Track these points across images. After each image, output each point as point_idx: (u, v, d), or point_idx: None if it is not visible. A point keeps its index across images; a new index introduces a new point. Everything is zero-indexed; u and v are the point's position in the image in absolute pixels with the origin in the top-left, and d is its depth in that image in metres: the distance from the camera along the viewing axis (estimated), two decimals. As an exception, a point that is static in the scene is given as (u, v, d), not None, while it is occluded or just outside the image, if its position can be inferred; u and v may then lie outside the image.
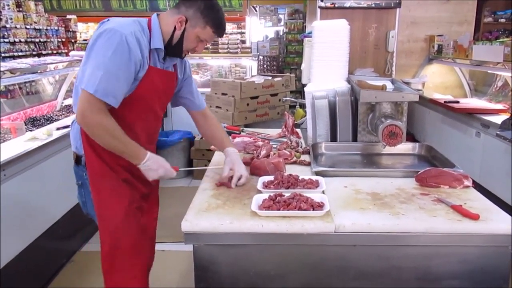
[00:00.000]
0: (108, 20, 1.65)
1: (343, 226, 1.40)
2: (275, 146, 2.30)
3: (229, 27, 7.75)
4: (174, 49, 1.73)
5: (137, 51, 1.60)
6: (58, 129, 3.21)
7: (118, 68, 1.56)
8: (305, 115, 2.73)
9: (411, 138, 4.61)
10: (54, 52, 7.82)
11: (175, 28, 1.68)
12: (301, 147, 2.32)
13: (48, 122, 3.51)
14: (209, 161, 2.18)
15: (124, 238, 1.79)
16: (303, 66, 3.60)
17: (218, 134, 2.03)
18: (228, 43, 6.32)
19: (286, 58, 7.63)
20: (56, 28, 8.07)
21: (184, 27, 1.68)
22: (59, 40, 8.22)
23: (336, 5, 3.77)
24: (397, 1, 3.71)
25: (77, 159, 1.80)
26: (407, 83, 3.81)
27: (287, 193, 1.57)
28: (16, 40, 6.97)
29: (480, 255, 1.42)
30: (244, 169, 1.83)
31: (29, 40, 7.29)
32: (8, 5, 6.83)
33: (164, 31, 1.70)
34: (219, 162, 2.04)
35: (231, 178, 1.78)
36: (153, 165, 1.70)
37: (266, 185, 1.70)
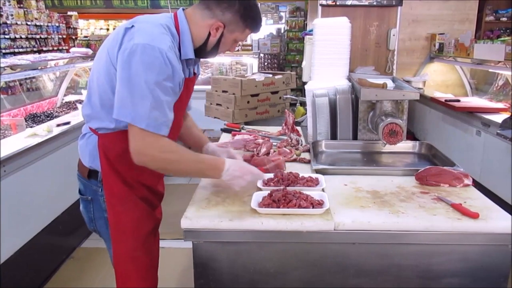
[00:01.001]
0: (133, 26, 1.43)
1: (342, 224, 1.40)
2: (275, 144, 2.30)
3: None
4: (206, 53, 1.58)
5: (179, 68, 1.44)
6: (58, 125, 3.20)
7: (166, 94, 1.39)
8: (306, 113, 2.73)
9: (411, 136, 4.60)
10: (55, 48, 7.82)
11: (209, 34, 1.51)
12: (301, 145, 2.32)
13: (48, 118, 3.51)
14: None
15: (138, 257, 1.67)
16: (304, 64, 3.59)
17: (196, 132, 1.93)
18: (229, 41, 6.31)
19: (287, 55, 7.63)
20: (57, 24, 8.07)
21: (222, 32, 1.52)
22: (60, 36, 8.22)
23: (338, 3, 3.76)
24: (399, -1, 3.70)
25: (90, 173, 1.63)
26: (408, 82, 3.80)
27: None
28: (17, 36, 6.97)
29: (480, 253, 1.42)
30: (235, 152, 1.85)
31: (29, 36, 7.29)
32: (9, 2, 6.82)
33: (195, 36, 1.52)
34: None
35: None
36: (237, 172, 1.51)
37: (266, 183, 1.70)
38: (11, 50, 6.82)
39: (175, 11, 1.56)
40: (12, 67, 2.94)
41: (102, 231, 1.70)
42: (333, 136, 2.33)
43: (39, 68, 3.26)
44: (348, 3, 3.76)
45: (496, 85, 4.15)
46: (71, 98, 4.32)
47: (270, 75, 3.54)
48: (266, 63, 7.18)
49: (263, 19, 8.15)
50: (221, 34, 1.52)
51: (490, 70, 4.02)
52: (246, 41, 6.68)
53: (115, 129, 1.52)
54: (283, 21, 8.23)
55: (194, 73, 1.69)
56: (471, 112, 3.54)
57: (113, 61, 1.42)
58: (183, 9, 1.55)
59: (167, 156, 1.43)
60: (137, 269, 1.67)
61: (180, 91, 1.53)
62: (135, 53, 1.34)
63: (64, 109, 3.93)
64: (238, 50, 6.30)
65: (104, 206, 1.62)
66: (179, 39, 1.50)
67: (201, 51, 1.57)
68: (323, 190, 1.64)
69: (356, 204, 1.54)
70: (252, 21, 1.54)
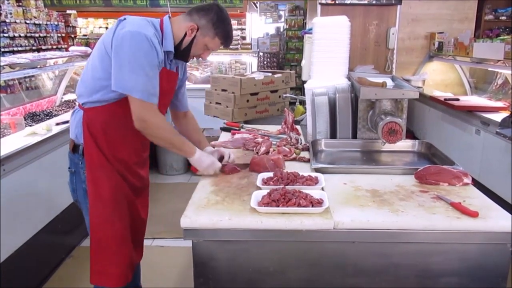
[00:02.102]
0: (125, 18, 1.71)
1: (342, 223, 1.40)
2: (274, 142, 2.30)
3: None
4: (181, 53, 1.83)
5: (160, 51, 1.71)
6: (57, 124, 3.20)
7: (152, 70, 1.67)
8: (305, 112, 2.73)
9: (411, 135, 4.61)
10: (54, 47, 7.80)
11: (185, 34, 1.79)
12: (300, 143, 2.32)
13: (47, 117, 3.51)
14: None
15: (113, 226, 1.85)
16: (303, 62, 3.59)
17: (195, 135, 2.11)
18: (228, 39, 6.30)
19: (286, 54, 7.62)
20: (56, 23, 8.05)
21: (195, 34, 1.79)
22: (59, 35, 8.20)
23: (337, 2, 3.76)
24: (398, -2, 3.71)
25: (74, 147, 1.86)
26: (408, 81, 3.81)
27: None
28: (16, 35, 6.95)
29: (479, 252, 1.42)
30: (226, 150, 1.98)
31: (28, 35, 7.27)
32: (8, 0, 6.81)
33: (175, 35, 1.79)
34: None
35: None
36: (204, 157, 1.83)
37: (266, 182, 1.70)
38: (10, 48, 6.80)
39: (173, 11, 1.73)
40: (11, 66, 2.93)
41: (81, 201, 1.91)
42: (333, 135, 2.33)
43: (38, 66, 3.25)
44: (348, 2, 3.76)
45: (496, 84, 4.15)
46: (70, 96, 4.31)
47: (270, 74, 3.55)
48: (265, 62, 7.17)
49: (263, 17, 8.17)
50: (195, 36, 1.79)
51: (489, 69, 4.03)
52: (244, 39, 6.68)
53: (100, 102, 1.75)
54: (283, 19, 8.22)
55: (177, 73, 1.94)
56: (471, 111, 3.54)
57: (107, 46, 1.68)
58: (169, 16, 1.83)
59: (157, 121, 1.71)
60: (112, 235, 1.85)
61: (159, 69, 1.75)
62: (127, 38, 1.63)
63: (63, 107, 3.92)
64: (237, 49, 6.29)
65: (83, 177, 1.84)
66: (162, 35, 1.77)
67: (177, 50, 1.82)
68: (322, 189, 1.64)
69: (355, 203, 1.54)
70: (222, 31, 1.80)
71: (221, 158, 1.93)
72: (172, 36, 1.79)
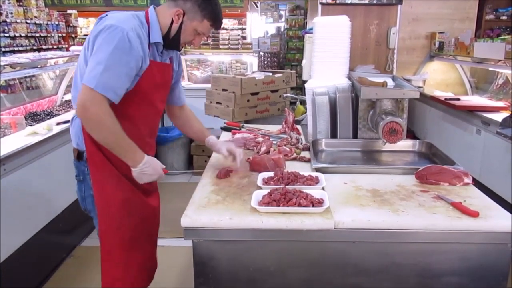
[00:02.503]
0: (107, 15, 1.66)
1: (342, 223, 1.40)
2: (275, 142, 2.30)
3: (230, 23, 7.73)
4: (171, 42, 1.74)
5: (138, 47, 1.60)
6: (58, 124, 3.20)
7: (119, 64, 1.56)
8: (306, 112, 2.73)
9: (411, 135, 4.61)
10: (55, 47, 7.82)
11: (172, 21, 1.70)
12: (301, 143, 2.32)
13: (48, 117, 3.51)
14: (209, 157, 2.18)
15: (123, 230, 1.79)
16: (304, 62, 3.59)
17: (196, 124, 2.06)
18: (229, 39, 6.29)
19: (287, 54, 7.61)
20: (56, 23, 8.06)
21: (182, 20, 1.69)
22: (60, 35, 8.21)
23: (338, 1, 3.76)
24: (399, -2, 3.71)
25: (79, 155, 1.79)
26: (408, 80, 3.80)
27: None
28: (17, 34, 6.96)
29: (480, 252, 1.42)
30: (239, 149, 1.92)
31: (29, 34, 7.28)
32: (8, 0, 6.81)
33: (162, 24, 1.71)
34: (218, 158, 2.04)
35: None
36: (149, 169, 1.67)
37: (266, 181, 1.70)
38: (11, 48, 6.82)
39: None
40: (12, 66, 2.94)
41: (90, 209, 1.83)
42: (333, 135, 2.33)
43: (39, 66, 3.26)
44: (348, 1, 3.76)
45: (496, 83, 4.15)
46: (71, 96, 4.31)
47: (270, 74, 3.55)
48: (266, 62, 7.16)
49: (263, 17, 8.16)
50: (182, 22, 1.69)
51: (490, 68, 4.02)
52: (245, 39, 6.67)
53: None
54: (283, 19, 8.21)
55: (171, 64, 1.86)
56: (471, 111, 3.54)
57: (90, 44, 1.62)
58: (154, 7, 1.75)
59: (104, 119, 1.55)
60: (121, 242, 1.79)
61: (142, 68, 1.66)
62: (101, 31, 1.57)
63: (64, 107, 3.92)
64: (238, 49, 6.28)
65: (91, 184, 1.76)
66: (149, 27, 1.69)
67: (167, 39, 1.73)
68: (323, 188, 1.64)
69: (356, 203, 1.54)
70: (209, 13, 1.70)
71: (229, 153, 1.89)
72: (159, 26, 1.71)
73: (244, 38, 6.71)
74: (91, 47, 1.60)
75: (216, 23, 1.75)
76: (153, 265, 2.05)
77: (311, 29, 2.85)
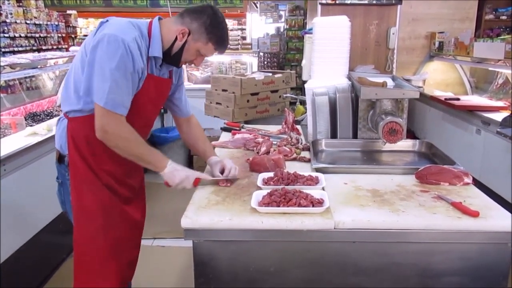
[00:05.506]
0: (107, 21, 1.62)
1: (342, 223, 1.40)
2: (275, 142, 2.30)
3: (230, 23, 7.74)
4: (172, 58, 1.71)
5: (139, 58, 1.59)
6: (58, 124, 3.20)
7: (124, 78, 1.56)
8: (305, 112, 2.73)
9: (411, 135, 4.60)
10: (54, 47, 7.81)
11: (176, 38, 1.65)
12: (301, 143, 2.32)
13: (48, 117, 3.51)
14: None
15: (98, 242, 1.74)
16: (303, 62, 3.59)
17: (200, 144, 1.98)
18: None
19: (286, 54, 7.61)
20: (56, 23, 8.06)
21: (186, 39, 1.65)
22: (59, 35, 8.21)
23: (337, 2, 3.75)
24: (399, -2, 3.70)
25: (60, 158, 1.76)
26: (408, 80, 3.81)
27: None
28: (16, 35, 6.96)
29: (480, 252, 1.42)
30: (232, 162, 1.81)
31: (29, 35, 7.28)
32: (8, 0, 6.82)
33: (165, 39, 1.67)
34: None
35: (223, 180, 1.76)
36: (178, 173, 1.68)
37: (266, 182, 1.70)
38: (11, 49, 6.82)
39: (173, 11, 1.65)
40: (12, 66, 2.94)
41: (70, 212, 1.80)
42: (333, 135, 2.33)
43: (39, 67, 3.26)
44: (348, 1, 3.76)
45: (496, 83, 4.15)
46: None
47: (270, 74, 3.54)
48: (265, 62, 7.16)
49: (263, 17, 8.15)
50: (186, 41, 1.65)
51: (490, 68, 4.02)
52: (245, 39, 6.68)
53: (82, 111, 1.65)
54: (283, 19, 8.21)
55: (171, 79, 1.82)
56: (471, 111, 3.54)
57: (87, 50, 1.58)
58: (159, 18, 1.71)
59: (120, 132, 1.59)
60: (96, 252, 1.74)
61: (141, 79, 1.65)
62: (102, 42, 1.53)
63: (64, 108, 3.92)
64: (237, 49, 6.29)
65: (69, 190, 1.73)
66: (150, 39, 1.65)
67: (167, 55, 1.69)
68: (323, 188, 1.64)
69: (356, 203, 1.54)
70: (215, 37, 1.66)
71: (222, 171, 1.78)
72: (161, 40, 1.66)
73: (244, 38, 6.72)
74: (90, 54, 1.56)
75: (221, 48, 1.71)
76: (130, 274, 1.99)
77: (311, 29, 2.84)
